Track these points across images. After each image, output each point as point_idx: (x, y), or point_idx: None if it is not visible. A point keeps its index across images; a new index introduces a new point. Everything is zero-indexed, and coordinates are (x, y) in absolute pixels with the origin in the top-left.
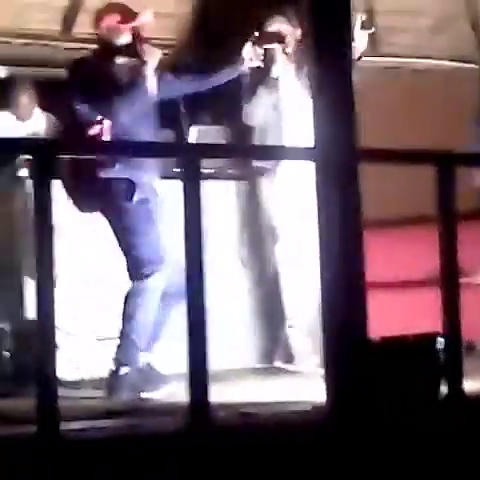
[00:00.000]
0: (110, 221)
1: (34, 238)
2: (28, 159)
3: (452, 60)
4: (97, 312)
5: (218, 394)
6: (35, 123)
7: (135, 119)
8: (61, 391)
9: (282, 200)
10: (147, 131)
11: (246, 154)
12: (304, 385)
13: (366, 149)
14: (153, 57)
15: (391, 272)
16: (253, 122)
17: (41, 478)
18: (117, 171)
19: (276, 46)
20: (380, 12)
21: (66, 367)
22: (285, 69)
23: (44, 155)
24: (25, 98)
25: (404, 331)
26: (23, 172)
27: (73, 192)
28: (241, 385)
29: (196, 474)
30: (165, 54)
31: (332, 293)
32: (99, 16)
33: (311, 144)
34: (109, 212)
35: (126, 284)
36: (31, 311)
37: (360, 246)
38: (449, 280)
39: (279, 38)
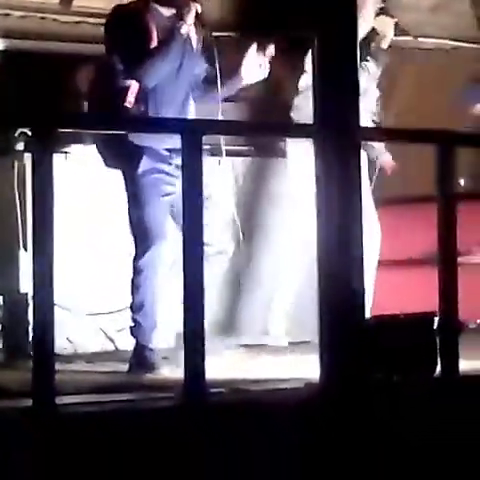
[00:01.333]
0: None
1: (33, 213)
2: (23, 132)
3: (452, 39)
4: (90, 287)
5: (212, 370)
6: None
7: (167, 77)
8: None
9: (291, 179)
10: (176, 93)
11: (247, 131)
12: (295, 362)
13: (367, 127)
14: (190, 11)
15: (390, 250)
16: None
17: (36, 451)
18: (135, 136)
19: None
20: None
21: (59, 341)
22: None
23: (43, 128)
24: None
25: (401, 310)
26: (20, 146)
27: (99, 144)
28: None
29: (189, 449)
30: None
31: (330, 271)
32: None
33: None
34: (124, 175)
35: (119, 258)
36: (26, 284)
37: (360, 225)
38: (447, 259)
39: None
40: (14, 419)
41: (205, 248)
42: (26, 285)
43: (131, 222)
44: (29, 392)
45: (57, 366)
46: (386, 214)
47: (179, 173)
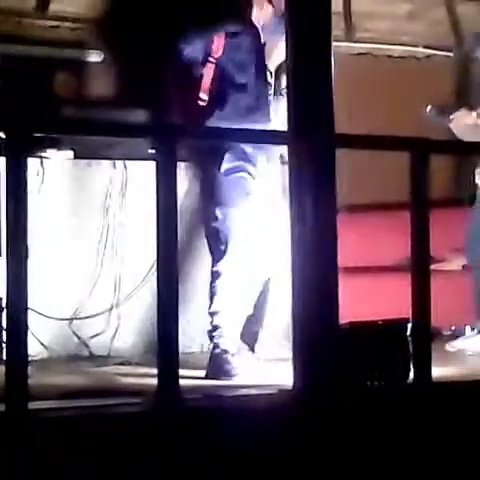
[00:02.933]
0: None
1: (7, 218)
2: None
3: (426, 47)
4: (66, 291)
5: (186, 376)
6: None
7: (242, 58)
8: (30, 370)
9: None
10: (250, 76)
11: (221, 136)
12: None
13: (341, 134)
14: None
15: (362, 257)
16: None
17: (9, 456)
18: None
19: None
20: None
21: (33, 345)
22: None
23: (18, 132)
24: None
25: (374, 316)
26: None
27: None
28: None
29: (164, 456)
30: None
31: (303, 278)
32: None
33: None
34: (202, 172)
35: (94, 262)
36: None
37: (334, 232)
38: (420, 266)
39: None
40: None
41: None
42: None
43: (206, 224)
44: (2, 397)
45: (30, 371)
46: (358, 221)
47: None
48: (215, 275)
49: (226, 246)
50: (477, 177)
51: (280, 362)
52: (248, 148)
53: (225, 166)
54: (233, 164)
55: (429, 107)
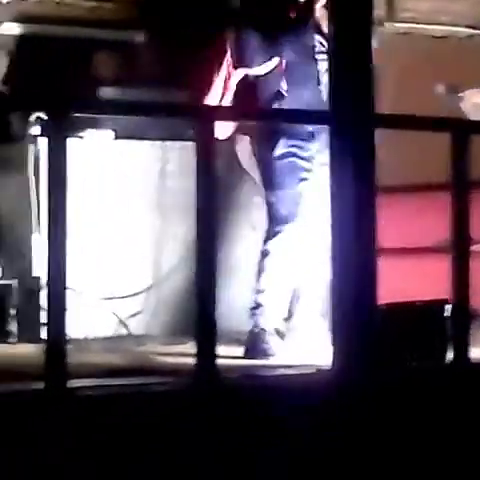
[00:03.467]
0: None
1: (48, 198)
2: (39, 117)
3: (468, 27)
4: (103, 271)
5: (224, 356)
6: None
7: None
8: (68, 349)
9: None
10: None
11: (259, 117)
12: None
13: (382, 114)
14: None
15: (402, 239)
16: None
17: (49, 434)
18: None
19: None
20: None
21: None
22: None
23: (59, 112)
24: None
25: (413, 297)
26: (35, 130)
27: None
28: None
29: (201, 435)
30: None
31: (343, 259)
32: None
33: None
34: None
35: (134, 242)
36: (39, 268)
37: (373, 213)
38: (459, 248)
39: None
40: (27, 402)
41: None
42: (39, 269)
43: (267, 204)
44: (42, 375)
45: (69, 350)
46: (398, 201)
47: (316, 158)
48: (264, 253)
49: (278, 227)
50: None
51: (319, 342)
52: (304, 132)
53: (279, 151)
54: (286, 149)
55: (439, 85)
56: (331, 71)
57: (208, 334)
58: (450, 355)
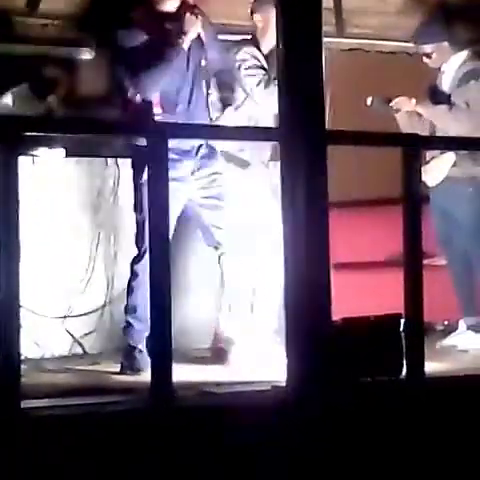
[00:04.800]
0: None
1: None
2: None
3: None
4: (58, 289)
5: (179, 373)
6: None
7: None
8: (22, 369)
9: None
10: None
11: (215, 135)
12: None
13: (332, 130)
14: (193, 27)
15: (354, 253)
16: None
17: (1, 455)
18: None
19: None
20: None
21: (26, 344)
22: None
23: (10, 131)
24: None
25: (366, 312)
26: None
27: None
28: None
29: (157, 454)
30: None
31: (296, 274)
32: None
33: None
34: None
35: (86, 261)
36: None
37: (325, 228)
38: (413, 261)
39: None
40: None
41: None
42: None
43: (136, 225)
44: None
45: (24, 370)
46: (349, 216)
47: (190, 178)
48: (133, 273)
49: (145, 248)
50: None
51: (273, 358)
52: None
53: (145, 176)
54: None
55: (371, 98)
56: (280, 87)
57: (163, 352)
58: (404, 370)
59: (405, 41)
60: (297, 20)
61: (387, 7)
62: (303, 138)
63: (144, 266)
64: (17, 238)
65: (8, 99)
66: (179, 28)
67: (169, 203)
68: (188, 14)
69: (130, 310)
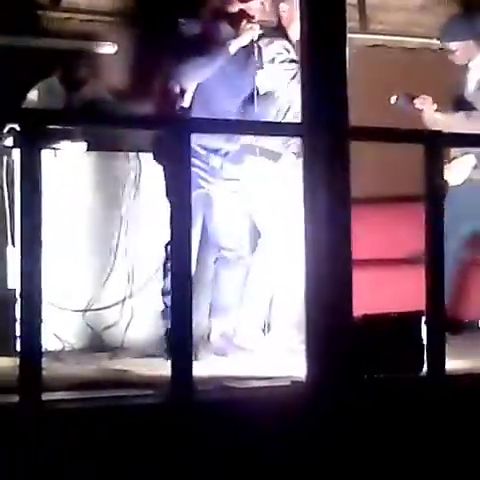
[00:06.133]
0: None
1: (21, 210)
2: (12, 128)
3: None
4: (80, 282)
5: (201, 367)
6: None
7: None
8: (43, 361)
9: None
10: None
11: (235, 130)
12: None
13: (355, 127)
14: (247, 34)
15: (376, 250)
16: None
17: (22, 448)
18: None
19: None
20: None
21: (47, 337)
22: None
23: (33, 124)
24: None
25: (388, 309)
26: (8, 142)
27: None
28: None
29: (177, 447)
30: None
31: (317, 270)
32: None
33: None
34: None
35: (108, 254)
36: (14, 280)
37: (348, 224)
38: (434, 259)
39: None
40: (1, 415)
41: (227, 253)
42: (14, 281)
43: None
44: (16, 388)
45: (44, 362)
46: (372, 213)
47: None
48: (168, 254)
49: None
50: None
51: (293, 354)
52: (198, 147)
53: None
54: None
55: (395, 96)
56: (304, 82)
57: (184, 346)
58: (425, 367)
59: (428, 38)
60: (321, 15)
61: (411, 3)
62: (326, 134)
63: None
64: (39, 231)
65: (33, 95)
66: (232, 31)
67: (191, 191)
68: (245, 21)
69: (166, 292)
